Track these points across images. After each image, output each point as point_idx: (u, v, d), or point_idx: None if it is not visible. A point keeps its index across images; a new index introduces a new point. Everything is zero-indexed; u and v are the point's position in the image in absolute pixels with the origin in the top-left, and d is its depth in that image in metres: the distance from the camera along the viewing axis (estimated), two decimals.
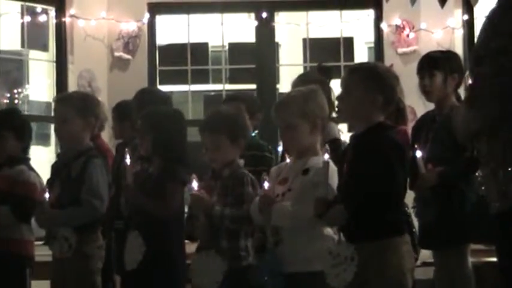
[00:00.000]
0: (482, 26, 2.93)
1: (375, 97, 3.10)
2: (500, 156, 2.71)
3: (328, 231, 3.30)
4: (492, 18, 2.86)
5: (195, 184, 3.53)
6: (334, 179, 3.20)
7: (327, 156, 3.12)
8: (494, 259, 3.94)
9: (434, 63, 4.35)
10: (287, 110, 3.37)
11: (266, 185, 3.30)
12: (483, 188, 3.58)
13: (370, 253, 2.98)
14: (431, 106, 4.54)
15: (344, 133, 5.12)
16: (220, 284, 3.45)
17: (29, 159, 4.52)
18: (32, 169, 4.44)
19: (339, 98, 3.23)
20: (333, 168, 3.26)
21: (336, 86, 4.93)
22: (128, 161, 3.89)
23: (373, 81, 3.11)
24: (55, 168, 4.16)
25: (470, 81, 2.95)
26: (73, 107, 4.02)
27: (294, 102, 3.38)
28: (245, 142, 3.71)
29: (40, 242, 4.53)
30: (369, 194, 2.94)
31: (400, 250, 3.03)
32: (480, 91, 2.80)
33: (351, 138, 3.24)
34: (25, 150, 4.50)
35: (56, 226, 3.92)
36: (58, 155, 4.28)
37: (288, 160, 3.46)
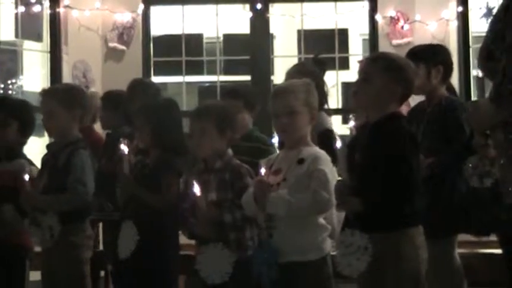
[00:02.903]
0: (492, 21, 2.94)
1: (394, 88, 3.11)
2: None
3: (322, 221, 3.31)
4: (505, 11, 2.88)
5: (196, 188, 3.45)
6: (329, 169, 3.22)
7: (339, 143, 3.12)
8: (485, 250, 3.97)
9: (416, 57, 4.37)
10: (292, 96, 3.35)
11: (263, 171, 3.27)
12: (474, 178, 3.61)
13: (386, 244, 2.97)
14: (419, 98, 4.56)
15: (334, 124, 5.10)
16: (229, 275, 3.45)
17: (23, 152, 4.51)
18: (32, 163, 4.43)
19: (356, 83, 3.22)
20: (327, 158, 3.28)
21: (329, 78, 4.96)
22: (125, 150, 3.90)
23: (395, 73, 3.12)
24: (44, 159, 4.18)
25: (479, 74, 2.99)
26: (57, 100, 4.04)
27: (298, 90, 3.37)
28: (232, 136, 3.68)
29: None
30: (387, 185, 2.94)
31: (416, 241, 3.03)
32: (500, 86, 2.83)
33: (362, 127, 3.21)
34: (22, 145, 4.49)
35: (40, 209, 3.93)
36: (47, 146, 4.28)
37: (277, 151, 3.45)
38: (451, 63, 4.46)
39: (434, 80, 4.35)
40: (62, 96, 4.06)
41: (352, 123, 3.30)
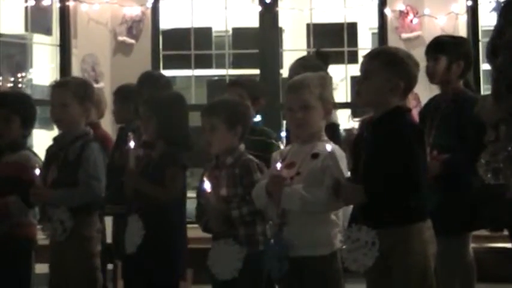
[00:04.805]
0: (498, 15, 2.94)
1: (395, 83, 3.09)
2: None
3: (334, 216, 3.30)
4: (507, 7, 2.87)
5: (207, 185, 3.48)
6: (344, 165, 3.21)
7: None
8: (496, 245, 3.94)
9: (440, 47, 4.34)
10: (307, 90, 3.32)
11: (278, 165, 3.24)
12: (489, 174, 3.60)
13: (394, 239, 2.97)
14: (434, 92, 4.53)
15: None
16: (239, 271, 3.47)
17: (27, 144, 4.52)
18: (35, 155, 4.44)
19: (358, 81, 3.21)
20: (341, 154, 3.27)
21: (338, 72, 4.95)
22: (131, 144, 3.90)
23: (395, 67, 3.10)
24: (51, 152, 4.18)
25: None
26: (72, 93, 4.04)
27: (313, 84, 3.34)
28: (244, 131, 3.66)
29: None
30: (392, 179, 2.93)
31: (423, 235, 3.02)
32: (497, 83, 2.82)
33: (367, 122, 3.21)
34: (26, 137, 4.50)
35: (51, 204, 3.94)
36: (54, 139, 4.28)
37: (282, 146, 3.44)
38: (472, 59, 4.42)
39: (453, 74, 4.31)
40: (76, 89, 4.07)
41: (351, 123, 3.30)
